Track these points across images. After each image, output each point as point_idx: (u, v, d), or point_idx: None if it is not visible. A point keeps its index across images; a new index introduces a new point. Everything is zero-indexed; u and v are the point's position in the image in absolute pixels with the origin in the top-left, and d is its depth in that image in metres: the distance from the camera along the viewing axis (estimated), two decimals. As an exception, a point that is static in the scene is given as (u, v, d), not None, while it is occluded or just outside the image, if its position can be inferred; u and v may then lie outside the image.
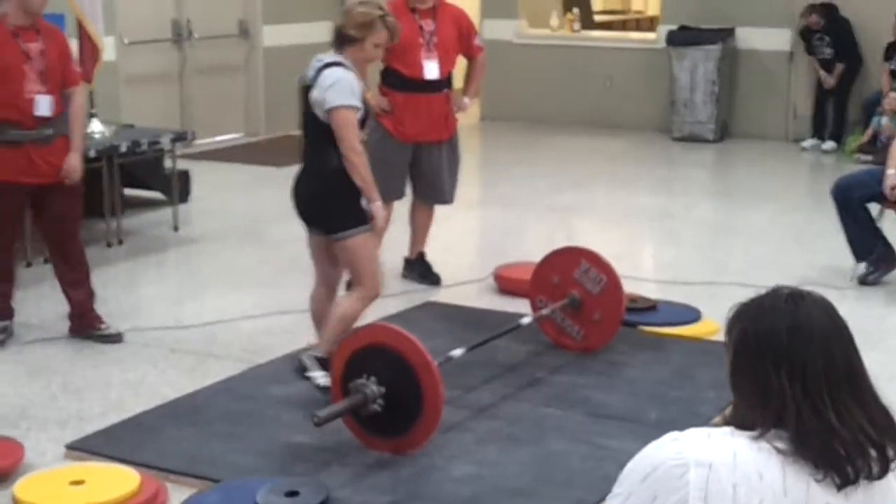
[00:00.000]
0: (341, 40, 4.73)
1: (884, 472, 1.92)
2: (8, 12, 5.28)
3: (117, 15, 9.67)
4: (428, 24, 6.32)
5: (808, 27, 10.91)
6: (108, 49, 8.62)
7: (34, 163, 5.34)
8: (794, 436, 1.90)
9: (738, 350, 2.00)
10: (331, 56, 4.74)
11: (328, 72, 4.66)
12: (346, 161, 4.65)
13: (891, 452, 1.94)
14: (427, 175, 6.49)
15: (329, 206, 4.75)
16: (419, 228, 6.63)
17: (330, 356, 4.48)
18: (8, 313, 5.60)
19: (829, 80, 10.84)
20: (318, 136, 4.73)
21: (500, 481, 4.10)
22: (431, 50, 6.31)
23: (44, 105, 5.33)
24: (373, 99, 6.33)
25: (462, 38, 6.49)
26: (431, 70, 6.32)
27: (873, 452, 1.92)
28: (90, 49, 7.48)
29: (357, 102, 4.64)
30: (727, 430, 1.97)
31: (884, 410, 1.96)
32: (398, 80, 6.34)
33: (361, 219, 4.73)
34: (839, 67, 10.82)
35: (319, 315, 5.00)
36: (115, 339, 5.58)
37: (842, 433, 1.90)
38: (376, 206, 4.73)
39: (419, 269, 6.62)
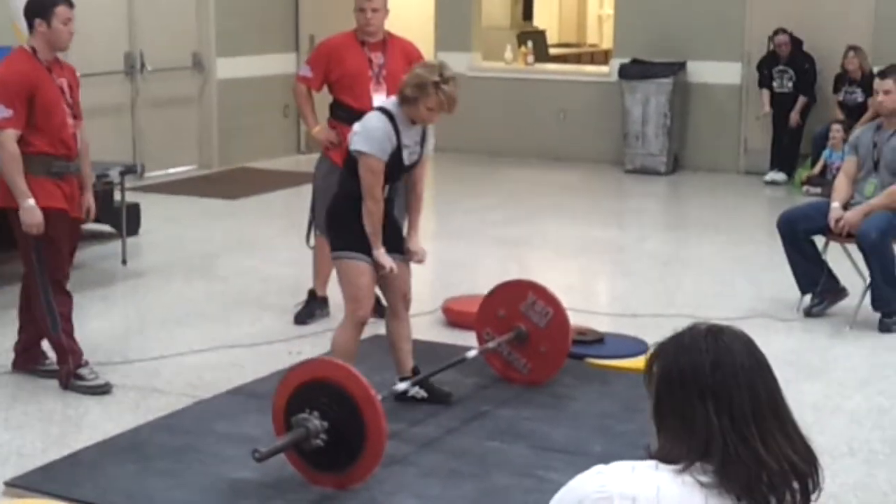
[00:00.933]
0: (401, 96, 4.78)
1: (805, 500, 1.94)
2: (37, 47, 5.24)
3: (69, 47, 9.61)
4: (377, 57, 6.32)
5: (772, 55, 11.01)
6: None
7: (74, 195, 5.36)
8: (720, 467, 1.92)
9: (662, 387, 2.01)
10: (390, 102, 4.86)
11: (370, 114, 4.83)
12: (363, 204, 4.76)
13: (811, 484, 1.95)
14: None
15: (332, 223, 4.93)
16: None
17: None
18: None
19: (795, 116, 10.94)
20: (349, 161, 4.84)
21: (443, 516, 4.08)
22: (380, 83, 6.32)
23: (78, 139, 5.38)
24: (321, 133, 6.35)
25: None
26: (380, 102, 6.32)
27: (796, 484, 1.94)
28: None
29: (376, 152, 4.70)
30: (651, 463, 1.98)
31: (806, 442, 1.98)
32: (347, 113, 6.33)
33: (357, 246, 4.77)
34: (801, 101, 10.94)
35: (390, 339, 5.09)
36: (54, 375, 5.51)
37: (769, 464, 1.91)
38: (379, 254, 4.78)
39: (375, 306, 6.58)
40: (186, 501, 4.16)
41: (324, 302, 6.61)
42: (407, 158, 4.85)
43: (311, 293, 6.58)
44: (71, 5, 5.32)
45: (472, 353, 5.23)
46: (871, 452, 4.76)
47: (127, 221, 7.98)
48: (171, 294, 7.13)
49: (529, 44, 13.58)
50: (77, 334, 6.28)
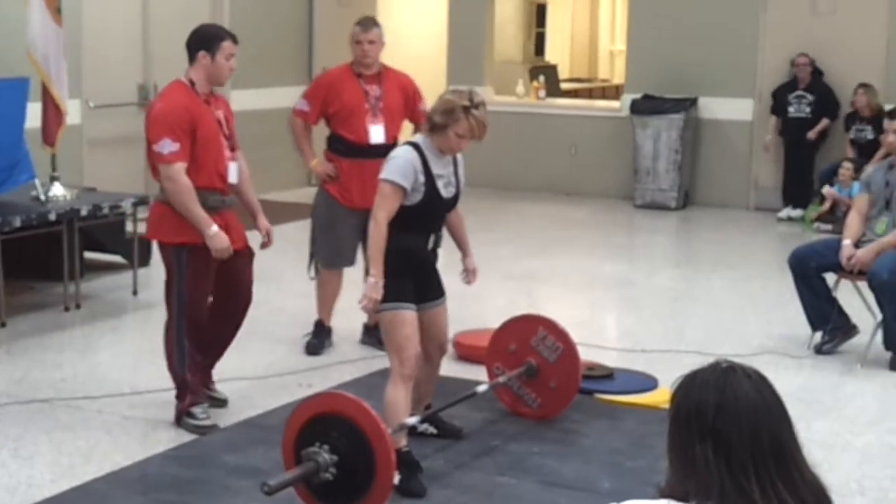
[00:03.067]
0: (430, 125, 4.74)
1: None
2: (195, 80, 5.27)
3: (83, 78, 9.69)
4: (373, 90, 6.34)
5: (790, 82, 11.05)
6: (73, 112, 8.64)
7: (230, 228, 5.32)
8: None
9: (671, 423, 2.02)
10: (418, 136, 4.83)
11: (399, 148, 4.80)
12: (369, 228, 4.71)
13: None
14: None
15: None
16: None
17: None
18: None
19: (813, 134, 10.96)
20: None
21: (451, 551, 4.07)
22: (377, 115, 6.33)
23: (233, 172, 5.38)
24: (318, 166, 6.38)
25: (408, 103, 6.51)
26: (377, 134, 6.32)
27: None
28: (54, 113, 7.48)
29: (395, 178, 4.64)
30: (664, 501, 1.98)
31: (815, 488, 1.97)
32: (344, 146, 6.35)
33: (397, 296, 4.67)
34: (824, 122, 10.96)
35: (416, 379, 4.98)
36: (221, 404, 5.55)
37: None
38: (370, 283, 4.63)
39: (378, 335, 6.57)
40: (195, 534, 4.16)
41: (329, 332, 6.62)
42: (444, 189, 4.76)
43: (319, 324, 6.59)
44: (235, 41, 5.32)
45: (482, 388, 5.23)
46: (881, 491, 4.74)
47: (138, 252, 8.00)
48: (181, 325, 7.12)
49: (541, 78, 13.63)
50: (87, 364, 6.33)
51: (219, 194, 5.29)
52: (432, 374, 5.05)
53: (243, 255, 5.44)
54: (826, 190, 10.33)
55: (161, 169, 5.14)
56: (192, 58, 5.28)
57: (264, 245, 5.64)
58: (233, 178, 5.37)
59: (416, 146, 4.74)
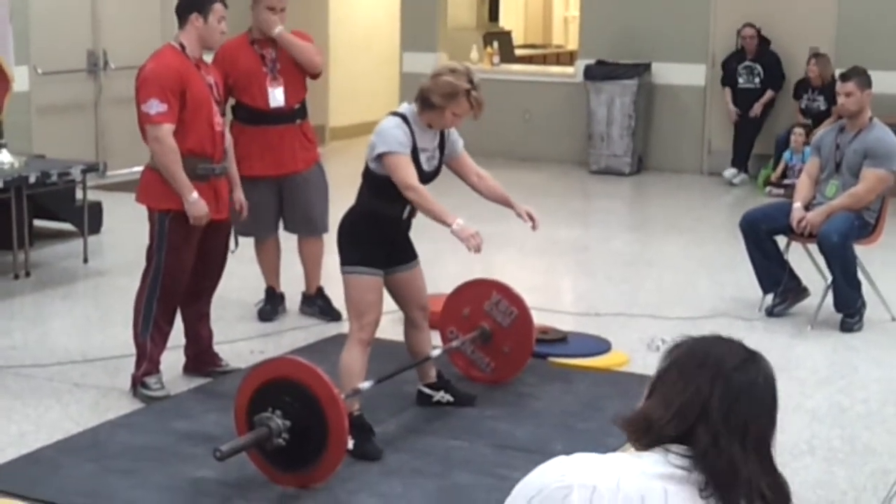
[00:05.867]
0: (422, 103, 4.66)
1: None
2: (186, 43, 5.18)
3: (31, 45, 9.55)
4: (269, 53, 6.23)
5: (738, 52, 11.08)
6: (21, 79, 8.52)
7: (217, 197, 5.27)
8: (700, 455, 1.92)
9: (682, 358, 2.02)
10: (404, 107, 4.75)
11: (385, 120, 4.70)
12: (409, 200, 4.65)
13: None
14: (296, 208, 6.40)
15: (340, 239, 4.77)
16: (308, 262, 6.50)
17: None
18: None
19: (758, 107, 11.01)
20: (363, 173, 4.76)
21: (404, 515, 4.08)
22: (277, 77, 6.22)
23: (228, 137, 5.32)
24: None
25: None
26: (276, 97, 6.20)
27: None
28: (0, 80, 7.37)
29: (396, 148, 4.58)
30: (612, 455, 1.99)
31: (781, 484, 2.00)
32: (247, 113, 6.24)
33: (366, 260, 4.66)
34: (769, 94, 11.01)
35: (410, 349, 5.04)
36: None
37: (742, 474, 1.92)
38: (456, 229, 4.62)
39: (319, 304, 6.55)
40: (147, 501, 4.14)
41: (281, 298, 6.59)
42: (426, 164, 4.73)
43: (270, 290, 6.56)
44: (226, 5, 5.25)
45: (435, 352, 5.22)
46: (830, 451, 4.79)
47: (89, 220, 7.93)
48: (132, 293, 7.00)
49: (495, 44, 13.60)
50: (37, 332, 6.27)
51: (209, 161, 5.22)
52: (423, 338, 5.03)
53: (224, 226, 5.42)
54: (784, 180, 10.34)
55: (148, 129, 5.09)
56: (182, 21, 5.22)
57: (238, 217, 5.60)
58: (227, 143, 5.34)
59: (403, 117, 4.68)
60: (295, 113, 6.31)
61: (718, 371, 1.97)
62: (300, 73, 6.30)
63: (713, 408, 1.94)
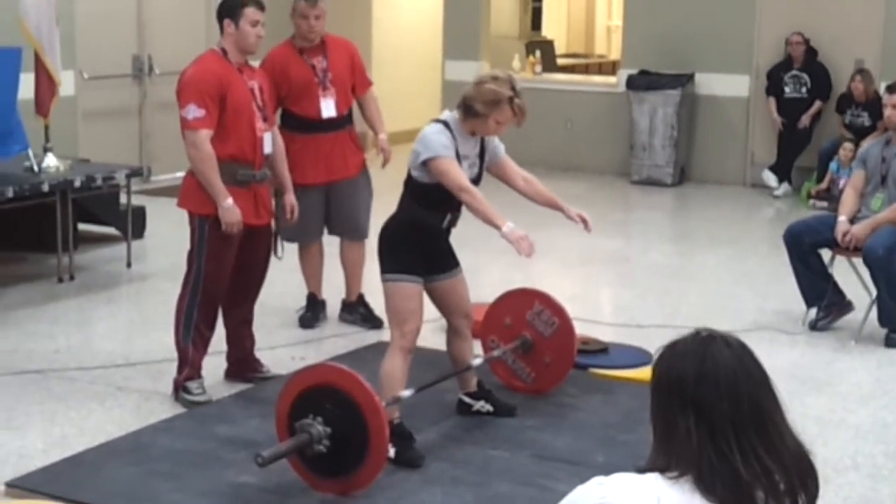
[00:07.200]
0: (466, 111, 4.66)
1: None
2: (227, 49, 5.22)
3: (77, 49, 9.64)
4: (320, 62, 6.24)
5: (785, 61, 11.01)
6: (67, 84, 8.59)
7: (258, 203, 5.30)
8: (698, 478, 1.91)
9: (653, 393, 2.02)
10: (445, 114, 4.76)
11: (427, 127, 4.70)
12: (462, 201, 4.63)
13: (803, 495, 1.93)
14: (343, 212, 6.41)
15: (381, 247, 4.76)
16: (349, 268, 6.52)
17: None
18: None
19: (806, 119, 10.93)
20: (405, 181, 4.75)
21: (444, 524, 4.07)
22: (328, 87, 6.24)
23: (268, 143, 5.31)
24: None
25: (356, 71, 6.40)
26: (329, 108, 6.22)
27: (786, 496, 1.92)
28: (47, 83, 7.43)
29: (440, 152, 4.57)
30: (653, 475, 1.97)
31: (797, 454, 1.96)
32: (297, 122, 6.23)
33: (406, 268, 4.66)
34: (817, 105, 10.92)
35: (453, 357, 5.04)
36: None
37: (746, 476, 1.90)
38: (506, 231, 4.59)
39: (361, 311, 6.55)
40: (188, 505, 4.15)
41: (323, 305, 6.60)
42: (467, 170, 4.70)
43: (311, 297, 6.57)
44: (261, 7, 5.25)
45: (476, 361, 5.21)
46: (874, 467, 4.74)
47: (132, 224, 7.98)
48: (174, 297, 7.04)
49: (537, 53, 13.58)
50: (80, 335, 6.32)
51: (249, 167, 5.23)
52: (465, 346, 5.02)
53: (265, 232, 5.42)
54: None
55: (185, 135, 5.11)
56: (220, 27, 5.26)
57: (287, 222, 5.61)
58: (268, 148, 5.32)
59: (445, 124, 4.68)
60: (344, 119, 6.34)
61: (682, 396, 1.96)
62: (349, 81, 6.32)
63: (694, 437, 1.93)
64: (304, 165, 6.16)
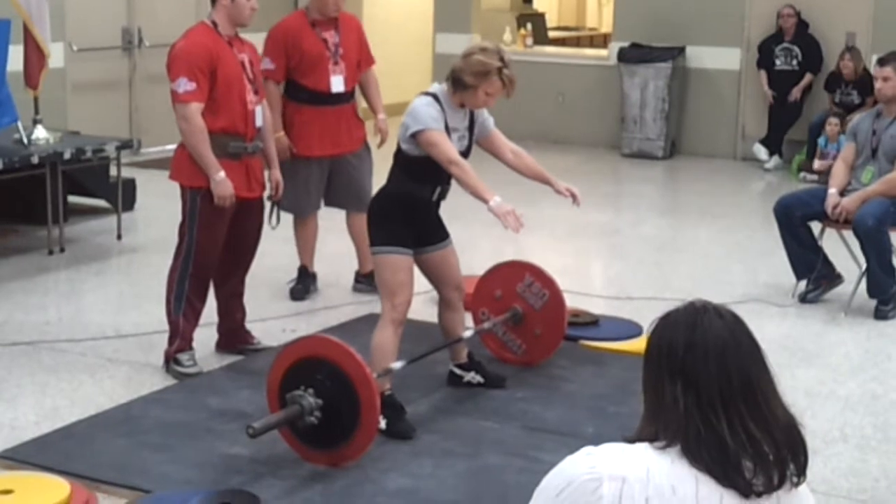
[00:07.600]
0: (455, 83, 4.65)
1: (780, 484, 1.92)
2: (218, 21, 5.19)
3: (66, 21, 9.59)
4: (332, 36, 6.23)
5: (776, 34, 10.98)
6: (56, 55, 8.55)
7: (249, 176, 5.29)
8: (685, 447, 1.92)
9: (644, 362, 2.02)
10: (434, 87, 4.76)
11: (416, 99, 4.69)
12: (451, 174, 4.62)
13: (792, 465, 1.94)
14: (350, 185, 6.41)
15: (370, 219, 4.77)
16: (360, 239, 6.48)
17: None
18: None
19: (797, 92, 10.92)
20: (394, 154, 4.76)
21: (435, 495, 4.09)
22: (338, 63, 6.23)
23: (259, 115, 5.31)
24: (284, 139, 6.21)
25: (362, 48, 6.41)
26: (338, 83, 6.22)
27: (774, 466, 1.93)
28: (36, 55, 7.40)
29: (429, 124, 4.57)
30: (642, 445, 1.98)
31: (786, 424, 1.96)
32: (305, 94, 6.22)
33: (396, 240, 4.66)
34: (808, 78, 10.92)
35: (444, 329, 5.04)
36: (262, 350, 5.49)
37: (732, 445, 1.90)
38: (493, 206, 4.54)
39: (371, 281, 6.53)
40: (179, 476, 4.16)
41: (314, 277, 6.60)
42: (457, 143, 4.70)
43: (302, 269, 6.57)
44: None
45: (467, 333, 5.21)
46: (863, 438, 4.77)
47: (122, 196, 7.97)
48: (165, 269, 7.02)
49: (529, 26, 13.55)
50: (71, 307, 6.31)
51: (241, 139, 5.22)
52: (457, 318, 5.02)
53: (257, 205, 5.42)
54: (817, 165, 10.21)
55: (176, 108, 5.09)
56: (213, 0, 5.23)
57: (271, 197, 5.61)
58: (259, 120, 5.31)
59: (434, 97, 4.68)
60: (350, 94, 6.35)
61: (670, 365, 1.95)
62: (357, 57, 6.34)
63: (681, 406, 1.93)
64: (309, 138, 6.19)
